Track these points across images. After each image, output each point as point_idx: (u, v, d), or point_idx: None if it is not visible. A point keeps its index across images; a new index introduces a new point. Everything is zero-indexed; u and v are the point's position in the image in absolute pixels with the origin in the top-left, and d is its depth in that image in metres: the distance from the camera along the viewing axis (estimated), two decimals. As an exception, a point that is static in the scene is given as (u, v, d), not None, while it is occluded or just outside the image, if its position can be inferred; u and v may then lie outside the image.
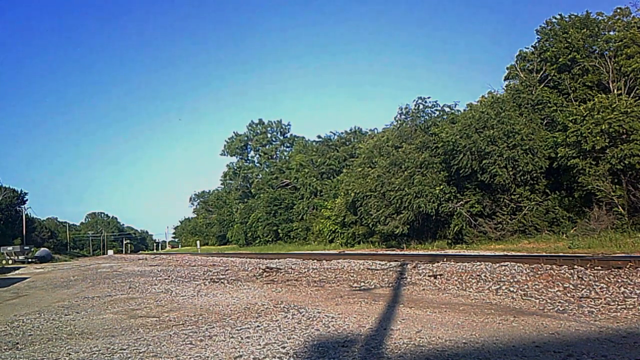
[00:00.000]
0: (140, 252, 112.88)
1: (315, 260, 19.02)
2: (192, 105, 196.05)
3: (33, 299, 11.25)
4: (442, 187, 30.06)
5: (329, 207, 47.82)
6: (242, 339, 5.13)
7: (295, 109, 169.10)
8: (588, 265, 9.89)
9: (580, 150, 25.44)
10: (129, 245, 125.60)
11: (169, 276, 15.76)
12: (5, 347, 5.46)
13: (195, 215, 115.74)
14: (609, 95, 26.69)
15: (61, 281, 16.78)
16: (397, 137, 36.73)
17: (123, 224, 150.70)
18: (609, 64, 28.80)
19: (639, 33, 28.63)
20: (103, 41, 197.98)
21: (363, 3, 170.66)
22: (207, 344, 4.93)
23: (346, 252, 30.31)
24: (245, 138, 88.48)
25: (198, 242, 74.20)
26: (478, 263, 12.30)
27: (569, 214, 27.65)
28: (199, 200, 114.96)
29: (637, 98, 26.48)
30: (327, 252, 31.51)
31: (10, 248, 44.52)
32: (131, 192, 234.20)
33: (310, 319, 6.14)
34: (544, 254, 17.49)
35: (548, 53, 31.88)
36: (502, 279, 9.36)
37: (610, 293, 7.38)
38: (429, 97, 36.60)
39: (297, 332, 5.38)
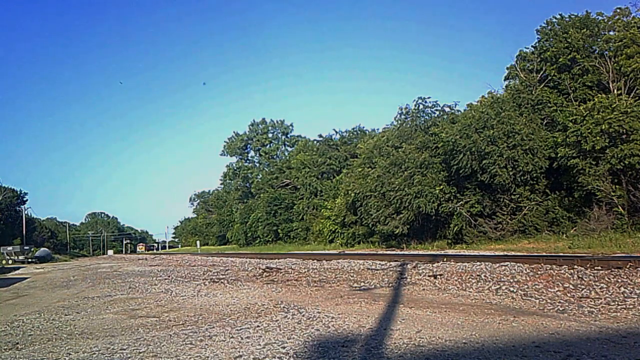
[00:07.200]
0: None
1: (315, 260, 19.02)
2: (192, 104, 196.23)
3: (33, 299, 11.24)
4: (442, 187, 30.05)
5: (329, 207, 47.79)
6: (242, 339, 5.13)
7: (297, 108, 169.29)
8: (588, 265, 9.88)
9: (580, 150, 25.43)
10: (129, 245, 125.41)
11: (169, 276, 15.76)
12: (5, 347, 5.46)
13: (195, 215, 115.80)
14: (609, 95, 26.68)
15: (61, 281, 16.78)
16: (397, 137, 36.68)
17: (123, 224, 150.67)
18: (609, 64, 28.77)
19: (639, 33, 28.59)
20: (103, 39, 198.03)
21: (365, 3, 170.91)
22: (207, 344, 4.93)
23: (346, 252, 30.29)
24: (246, 138, 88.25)
25: (198, 242, 74.09)
26: (478, 263, 12.29)
27: (569, 214, 27.63)
28: (199, 200, 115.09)
29: (637, 98, 26.47)
30: (327, 252, 31.49)
31: (10, 248, 44.59)
32: (131, 192, 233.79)
33: (310, 319, 6.14)
34: (544, 254, 17.48)
35: (548, 53, 31.85)
36: (502, 279, 9.35)
37: (610, 293, 7.38)
38: (429, 97, 36.57)
39: (297, 332, 5.38)
